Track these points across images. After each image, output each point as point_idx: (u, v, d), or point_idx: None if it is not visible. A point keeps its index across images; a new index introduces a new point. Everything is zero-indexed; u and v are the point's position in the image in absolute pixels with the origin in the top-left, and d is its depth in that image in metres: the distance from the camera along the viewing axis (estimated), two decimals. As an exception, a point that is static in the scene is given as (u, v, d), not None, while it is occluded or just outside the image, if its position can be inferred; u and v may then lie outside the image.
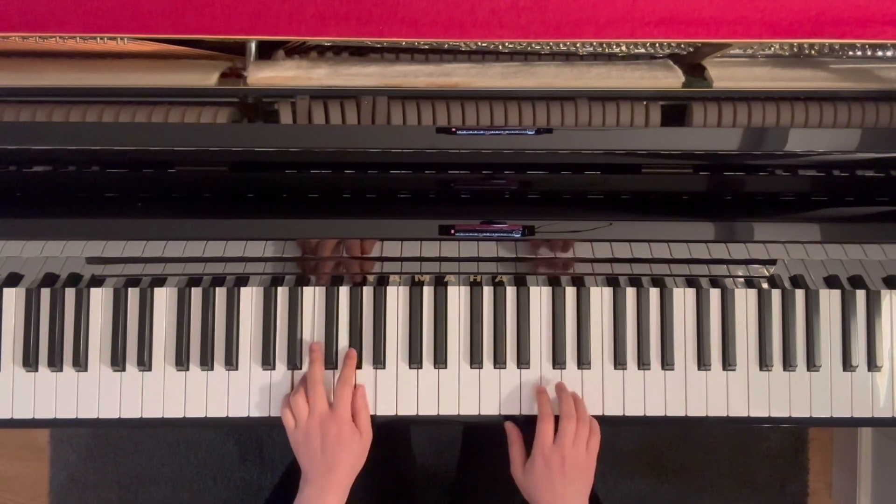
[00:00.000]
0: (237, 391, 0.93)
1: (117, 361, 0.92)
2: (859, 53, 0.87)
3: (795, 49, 0.87)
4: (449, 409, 0.93)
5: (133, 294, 0.93)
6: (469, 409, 0.93)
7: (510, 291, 0.94)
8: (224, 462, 1.55)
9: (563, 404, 0.90)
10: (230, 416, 0.93)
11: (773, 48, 0.87)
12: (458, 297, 0.94)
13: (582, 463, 0.87)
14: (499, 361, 0.93)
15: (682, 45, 0.86)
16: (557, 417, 0.89)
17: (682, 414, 0.94)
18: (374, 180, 0.88)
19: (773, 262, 0.91)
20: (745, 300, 0.95)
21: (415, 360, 0.93)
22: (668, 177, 0.88)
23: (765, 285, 0.94)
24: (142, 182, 0.88)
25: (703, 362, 0.93)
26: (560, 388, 0.92)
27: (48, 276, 0.93)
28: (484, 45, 0.86)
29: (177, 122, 0.83)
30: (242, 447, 1.55)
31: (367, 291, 0.94)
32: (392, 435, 1.12)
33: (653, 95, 0.86)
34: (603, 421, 0.92)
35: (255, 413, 0.93)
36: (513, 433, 0.91)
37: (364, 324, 0.94)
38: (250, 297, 0.94)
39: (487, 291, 0.94)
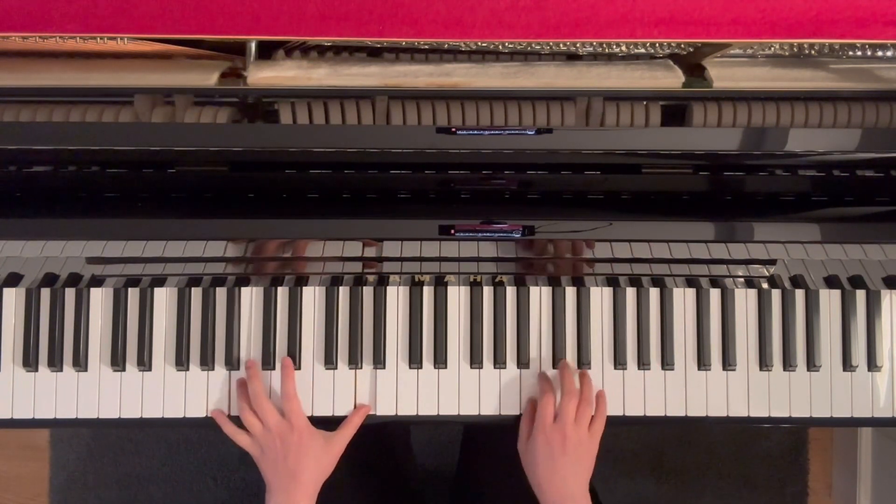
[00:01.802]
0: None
1: (117, 361, 0.92)
2: (859, 53, 0.87)
3: (795, 49, 0.87)
4: (449, 409, 0.93)
5: (133, 294, 0.93)
6: (469, 409, 0.93)
7: (510, 291, 0.94)
8: (224, 462, 1.54)
9: (565, 381, 0.90)
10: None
11: (773, 48, 0.87)
12: (458, 297, 0.94)
13: (584, 443, 0.86)
14: (499, 361, 0.93)
15: (682, 45, 0.86)
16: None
17: (682, 414, 0.94)
18: (374, 180, 0.88)
19: (773, 262, 0.91)
20: (745, 300, 0.95)
21: (415, 360, 0.93)
22: (668, 177, 0.88)
23: (765, 285, 0.94)
24: (142, 182, 0.88)
25: (703, 362, 0.93)
26: (563, 365, 0.92)
27: (48, 276, 0.93)
28: (484, 45, 0.86)
29: (177, 122, 0.83)
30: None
31: (367, 291, 0.94)
32: (392, 435, 1.11)
33: (653, 95, 0.86)
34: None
35: (255, 413, 0.92)
36: (528, 405, 0.91)
37: (364, 324, 0.93)
38: (250, 297, 0.93)
39: (487, 291, 0.94)
